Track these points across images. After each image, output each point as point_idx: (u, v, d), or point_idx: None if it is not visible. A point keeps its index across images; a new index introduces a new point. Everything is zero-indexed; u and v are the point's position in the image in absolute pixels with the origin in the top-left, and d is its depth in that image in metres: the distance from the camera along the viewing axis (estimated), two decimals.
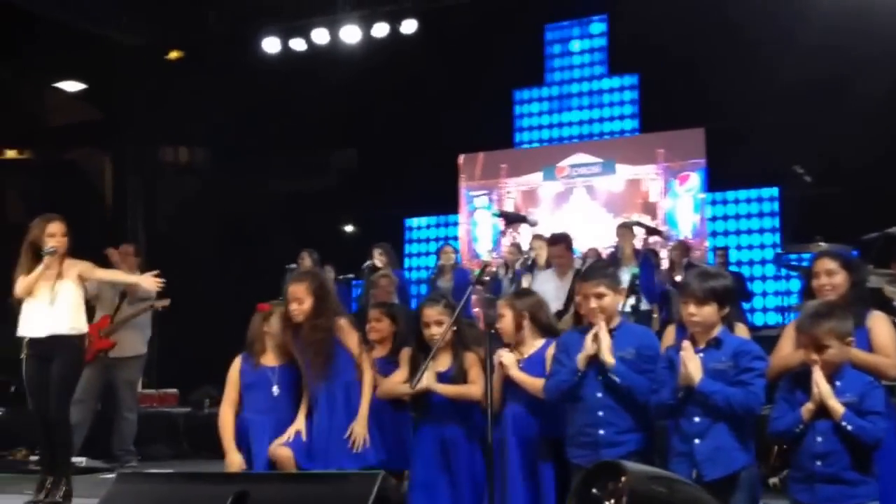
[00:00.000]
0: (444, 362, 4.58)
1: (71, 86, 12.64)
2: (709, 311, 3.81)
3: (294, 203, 11.51)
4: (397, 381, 4.68)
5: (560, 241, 7.38)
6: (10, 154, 12.82)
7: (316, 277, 4.69)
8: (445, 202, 11.64)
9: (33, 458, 7.23)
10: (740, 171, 10.15)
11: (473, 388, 4.44)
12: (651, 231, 7.02)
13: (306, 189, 12.01)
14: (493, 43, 10.69)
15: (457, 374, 4.54)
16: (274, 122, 11.58)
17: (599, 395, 3.96)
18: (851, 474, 3.56)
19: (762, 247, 10.45)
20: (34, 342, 5.68)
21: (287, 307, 4.63)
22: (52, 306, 5.65)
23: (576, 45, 11.47)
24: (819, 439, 3.59)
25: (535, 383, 4.25)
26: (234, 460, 4.62)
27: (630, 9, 10.41)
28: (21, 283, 5.64)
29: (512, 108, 11.69)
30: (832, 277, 4.17)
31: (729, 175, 10.39)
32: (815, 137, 8.96)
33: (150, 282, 5.98)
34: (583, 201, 11.17)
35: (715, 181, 10.67)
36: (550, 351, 4.30)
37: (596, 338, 3.90)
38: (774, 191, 10.43)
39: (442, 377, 4.53)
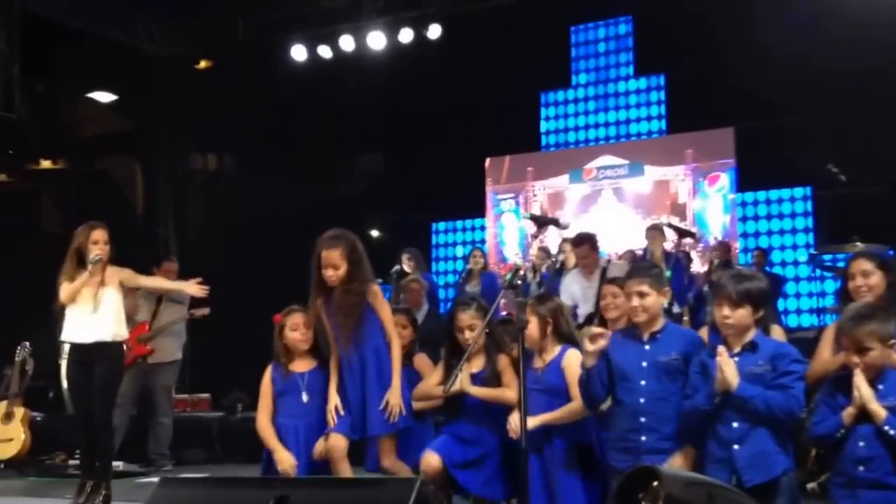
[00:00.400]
0: (477, 364, 4.60)
1: (103, 96, 12.81)
2: (743, 314, 3.75)
3: (322, 208, 11.55)
4: (431, 385, 4.71)
5: (584, 242, 7.34)
6: (45, 164, 13.01)
7: (349, 242, 4.63)
8: (472, 206, 11.68)
9: (72, 461, 7.36)
10: (771, 170, 10.09)
11: (508, 392, 4.45)
12: (682, 233, 7.01)
13: (334, 194, 12.07)
14: (518, 46, 10.71)
15: (490, 377, 4.55)
16: (301, 128, 11.67)
17: (642, 400, 3.92)
18: (895, 479, 3.51)
19: (795, 247, 10.38)
20: (77, 348, 5.79)
21: (321, 273, 4.59)
22: (96, 313, 5.75)
23: (601, 47, 11.48)
24: (861, 444, 3.55)
25: (497, 395, 4.39)
26: (284, 457, 4.62)
27: (655, 9, 10.41)
28: (65, 290, 5.73)
29: (538, 110, 11.70)
30: (868, 278, 4.15)
31: (759, 175, 10.33)
32: (849, 135, 8.92)
33: (194, 289, 6.05)
34: (610, 203, 11.17)
35: (745, 181, 10.62)
36: (570, 358, 4.30)
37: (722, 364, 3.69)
38: (807, 190, 10.35)
39: (475, 379, 4.54)
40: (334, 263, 4.56)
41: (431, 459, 4.45)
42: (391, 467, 4.64)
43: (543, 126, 11.71)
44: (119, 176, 13.14)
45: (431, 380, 4.75)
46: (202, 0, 11.47)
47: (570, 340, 4.45)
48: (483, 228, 11.82)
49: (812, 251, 9.92)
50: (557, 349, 4.42)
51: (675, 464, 3.79)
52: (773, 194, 10.53)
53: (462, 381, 4.41)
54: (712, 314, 4.05)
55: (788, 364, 3.67)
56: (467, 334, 4.55)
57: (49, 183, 13.12)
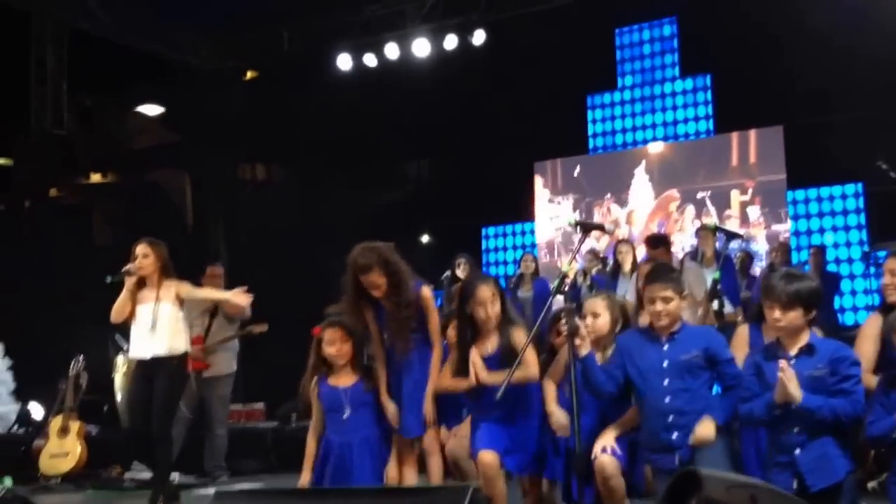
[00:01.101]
0: (492, 344, 4.56)
1: (151, 109, 12.97)
2: (794, 316, 3.69)
3: (371, 215, 11.60)
4: (447, 378, 4.67)
5: (660, 244, 7.23)
6: (95, 178, 13.19)
7: (380, 256, 4.59)
8: (521, 210, 11.64)
9: (128, 474, 7.41)
10: (821, 167, 9.94)
11: (530, 370, 4.40)
12: (730, 235, 6.90)
13: (382, 201, 12.12)
14: (563, 49, 10.65)
15: (505, 354, 4.49)
16: (348, 136, 11.73)
17: (668, 399, 3.92)
18: None
19: (848, 245, 10.20)
20: (140, 363, 5.89)
21: (361, 288, 4.60)
22: (153, 330, 5.82)
23: (647, 48, 11.39)
24: None
25: (520, 377, 4.27)
26: (304, 480, 4.74)
27: (700, 9, 10.31)
28: (113, 309, 5.82)
29: (585, 113, 11.64)
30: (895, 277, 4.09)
31: (810, 172, 10.18)
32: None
33: (241, 297, 6.08)
34: (658, 202, 11.08)
35: (795, 179, 10.47)
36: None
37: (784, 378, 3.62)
38: (858, 186, 10.18)
39: (490, 359, 4.51)
40: (374, 284, 4.57)
41: (489, 458, 4.41)
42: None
43: (591, 129, 11.64)
44: (168, 188, 13.30)
45: (448, 370, 4.69)
46: (246, 13, 11.57)
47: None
48: (533, 232, 11.78)
49: (865, 248, 9.76)
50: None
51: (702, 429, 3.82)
52: (825, 191, 10.37)
53: (490, 376, 4.41)
54: (752, 312, 4.01)
55: (848, 368, 3.60)
56: (489, 309, 4.51)
57: (100, 196, 13.31)
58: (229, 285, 7.41)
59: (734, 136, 10.78)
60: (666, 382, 3.95)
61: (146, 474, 7.03)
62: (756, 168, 10.65)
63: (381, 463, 4.76)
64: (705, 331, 4.29)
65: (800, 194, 10.51)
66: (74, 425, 7.59)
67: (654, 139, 11.33)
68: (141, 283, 5.84)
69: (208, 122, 12.53)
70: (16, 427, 8.85)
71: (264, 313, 7.94)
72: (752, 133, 10.67)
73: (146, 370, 5.85)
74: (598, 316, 4.38)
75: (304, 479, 4.74)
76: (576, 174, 11.58)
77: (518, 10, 10.76)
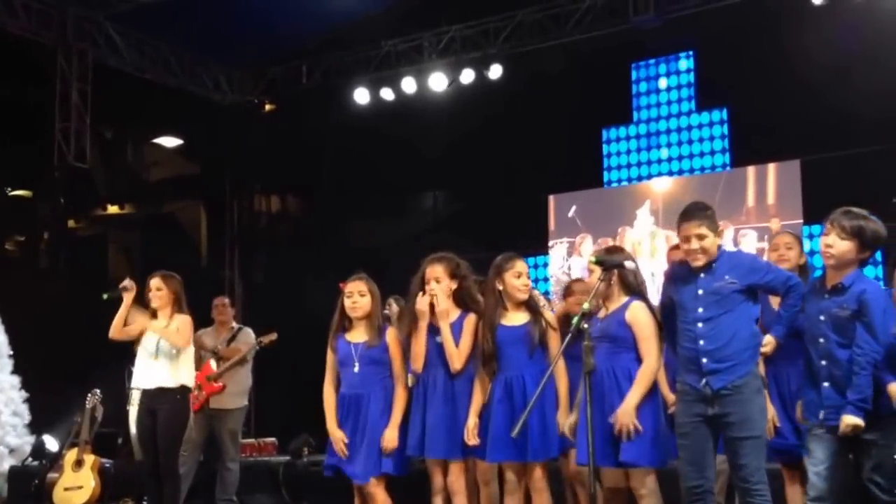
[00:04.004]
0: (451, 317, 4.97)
1: (169, 141, 13.09)
2: (848, 246, 3.98)
3: (386, 247, 11.62)
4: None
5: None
6: (112, 209, 13.27)
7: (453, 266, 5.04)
8: (536, 243, 11.61)
9: None
10: (839, 201, 9.87)
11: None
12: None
13: (398, 233, 12.12)
14: (579, 83, 10.70)
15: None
16: (365, 168, 11.78)
17: (700, 325, 4.20)
18: None
19: (879, 285, 10.10)
20: (144, 394, 5.93)
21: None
22: (156, 359, 5.88)
23: (662, 83, 11.38)
24: None
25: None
26: (336, 436, 4.98)
27: (716, 43, 10.32)
28: (112, 325, 6.06)
29: (600, 147, 11.63)
30: None
31: (827, 207, 10.09)
32: None
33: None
34: (673, 238, 11.01)
35: (812, 213, 10.41)
36: (634, 311, 4.50)
37: None
38: None
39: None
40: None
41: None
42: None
43: (606, 162, 11.63)
44: (184, 219, 13.36)
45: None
46: (266, 48, 11.73)
47: (635, 292, 4.58)
48: (546, 266, 11.74)
49: (882, 285, 9.67)
50: (623, 300, 4.56)
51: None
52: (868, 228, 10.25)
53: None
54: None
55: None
56: (433, 285, 4.89)
57: (115, 228, 13.37)
58: (244, 317, 7.45)
59: (750, 169, 10.72)
60: (700, 311, 4.17)
61: None
62: (775, 207, 10.56)
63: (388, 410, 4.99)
64: (742, 256, 4.59)
65: (816, 229, 10.44)
66: (89, 458, 7.60)
67: (671, 172, 11.29)
68: (153, 313, 5.94)
69: (226, 154, 12.64)
70: (30, 459, 8.86)
71: (278, 348, 7.95)
72: (770, 167, 10.61)
73: (149, 401, 5.93)
74: (592, 272, 4.63)
75: (337, 435, 4.99)
76: (591, 207, 11.53)
77: (534, 45, 10.84)
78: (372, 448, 4.96)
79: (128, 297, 6.03)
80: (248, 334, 7.86)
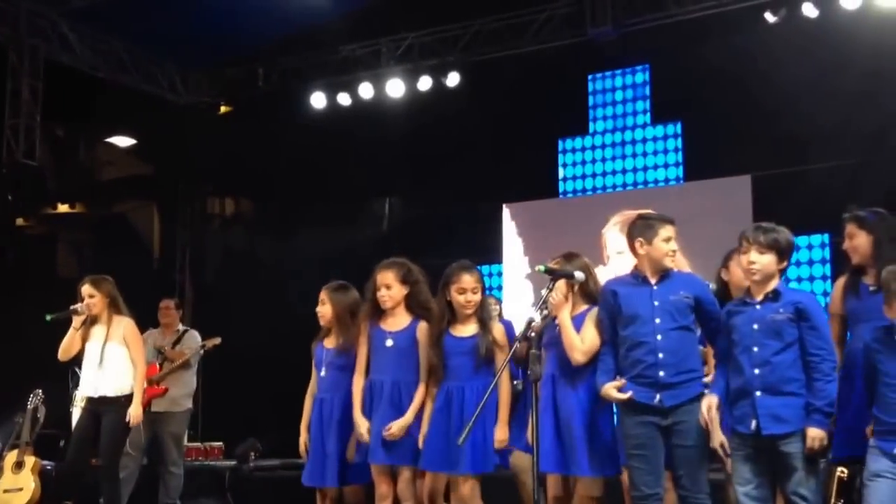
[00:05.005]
0: (400, 324, 4.97)
1: (122, 141, 12.94)
2: (769, 260, 4.09)
3: (340, 253, 11.58)
4: None
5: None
6: (63, 208, 13.09)
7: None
8: (489, 252, 11.64)
9: None
10: (788, 218, 9.98)
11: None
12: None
13: (351, 239, 12.09)
14: (536, 93, 10.75)
15: (410, 340, 4.94)
16: (319, 174, 11.73)
17: (659, 337, 4.29)
18: None
19: (813, 294, 10.24)
20: (89, 399, 5.89)
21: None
22: (101, 369, 5.83)
23: (619, 95, 11.47)
24: None
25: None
26: (360, 422, 4.93)
27: (672, 57, 10.43)
28: (61, 347, 5.85)
29: (556, 157, 11.69)
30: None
31: (777, 222, 10.21)
32: (864, 182, 8.85)
33: (135, 410, 6.05)
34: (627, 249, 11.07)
35: None
36: (592, 317, 4.56)
37: None
38: (825, 237, 10.26)
39: (398, 337, 4.97)
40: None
41: None
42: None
43: (561, 173, 11.68)
44: (136, 220, 13.22)
45: None
46: (223, 50, 11.65)
47: (594, 301, 4.63)
48: (500, 275, 11.76)
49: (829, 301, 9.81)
50: (583, 308, 4.62)
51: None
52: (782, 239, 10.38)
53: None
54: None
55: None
56: (383, 291, 4.87)
57: (66, 227, 13.19)
58: (194, 320, 7.38)
59: (702, 184, 10.82)
60: (657, 321, 4.28)
61: None
62: (723, 219, 10.66)
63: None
64: (691, 276, 4.61)
65: None
66: (30, 460, 7.45)
67: (625, 184, 11.37)
68: (92, 320, 5.86)
69: (180, 155, 12.52)
70: None
71: (227, 351, 7.88)
72: (720, 182, 10.72)
73: (94, 406, 5.86)
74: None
75: (360, 421, 4.94)
76: (545, 217, 11.57)
77: (492, 54, 10.86)
78: (338, 455, 4.94)
79: (77, 321, 5.92)
80: (194, 338, 7.79)
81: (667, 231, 4.46)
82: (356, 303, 5.17)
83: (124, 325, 6.00)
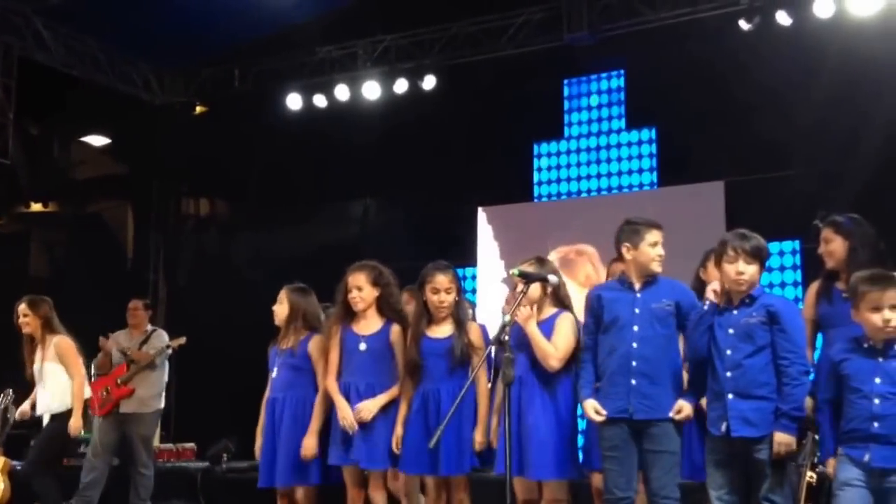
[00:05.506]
0: (374, 326, 5.00)
1: (97, 140, 12.86)
2: (756, 270, 4.15)
3: (315, 254, 11.57)
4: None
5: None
6: (36, 207, 12.99)
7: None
8: (464, 255, 11.66)
9: None
10: (760, 224, 10.05)
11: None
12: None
13: (326, 241, 12.08)
14: (512, 97, 10.78)
15: (385, 342, 5.01)
16: (295, 174, 11.72)
17: (635, 345, 4.34)
18: None
19: (787, 299, 10.31)
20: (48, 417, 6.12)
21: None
22: (44, 388, 6.09)
23: (594, 100, 11.53)
24: None
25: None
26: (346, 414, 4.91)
27: (647, 63, 10.49)
28: None
29: (531, 161, 11.72)
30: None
31: (749, 228, 10.28)
32: (835, 190, 8.93)
33: (74, 422, 6.25)
34: (602, 253, 11.13)
35: None
36: (562, 321, 4.62)
37: None
38: (796, 244, 10.34)
39: (371, 339, 5.01)
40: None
41: None
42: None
43: (537, 176, 11.72)
44: (111, 220, 13.14)
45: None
46: (199, 50, 11.61)
47: (564, 306, 4.68)
48: (475, 278, 11.78)
49: (800, 305, 9.88)
50: (552, 311, 4.65)
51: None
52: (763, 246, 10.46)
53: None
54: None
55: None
56: (354, 293, 4.90)
57: (39, 226, 13.10)
58: (167, 320, 7.37)
59: (676, 189, 10.88)
60: (636, 329, 4.32)
61: None
62: (696, 225, 10.73)
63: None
64: (678, 284, 4.63)
65: None
66: None
67: (599, 189, 11.42)
68: (30, 339, 6.12)
69: (155, 155, 12.46)
70: None
71: (200, 353, 7.85)
72: (694, 187, 10.78)
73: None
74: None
75: (257, 444, 5.11)
76: (520, 220, 11.61)
77: (468, 57, 10.89)
78: (291, 455, 4.95)
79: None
80: (160, 338, 7.74)
81: (653, 236, 4.49)
82: (313, 308, 5.20)
83: (55, 342, 6.18)
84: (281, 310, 5.22)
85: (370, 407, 4.80)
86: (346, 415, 4.81)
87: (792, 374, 4.03)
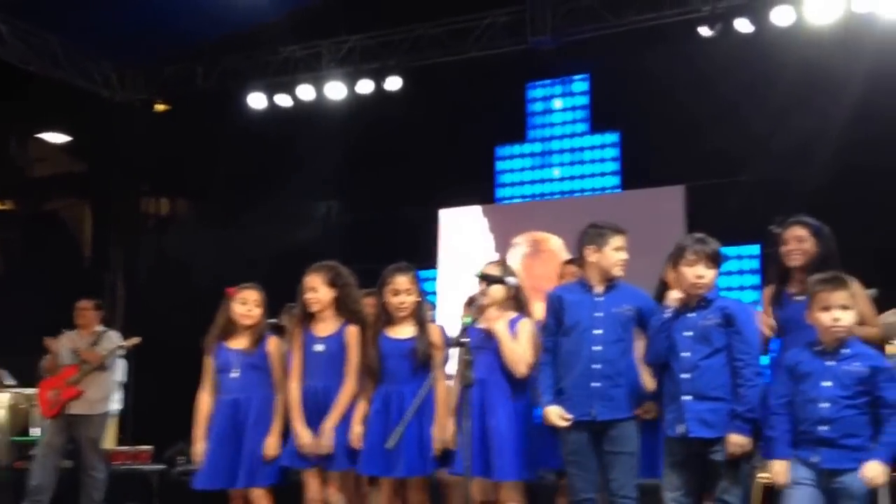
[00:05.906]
0: (330, 328, 4.93)
1: (55, 137, 12.69)
2: (715, 274, 4.21)
3: (276, 256, 11.50)
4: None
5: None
6: None
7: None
8: (424, 257, 11.65)
9: None
10: (720, 228, 10.13)
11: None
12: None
13: (289, 242, 12.02)
14: (475, 100, 10.80)
15: (339, 345, 4.92)
16: (257, 174, 11.65)
17: (596, 348, 4.37)
18: None
19: (741, 301, 10.40)
20: None
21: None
22: None
23: (557, 103, 11.55)
24: None
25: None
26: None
27: (611, 68, 10.56)
28: None
29: (493, 164, 11.74)
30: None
31: (709, 232, 10.35)
32: (795, 195, 9.03)
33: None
34: (564, 255, 11.16)
35: None
36: (523, 325, 4.64)
37: None
38: (755, 248, 10.44)
39: (328, 341, 4.94)
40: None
41: None
42: None
43: (499, 179, 11.74)
44: (68, 218, 12.99)
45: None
46: (160, 47, 11.50)
47: (523, 309, 4.72)
48: (434, 280, 11.77)
49: (759, 308, 9.98)
50: (513, 315, 4.67)
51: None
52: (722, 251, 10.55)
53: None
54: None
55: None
56: (310, 294, 4.86)
57: None
58: (126, 320, 7.28)
59: (638, 193, 10.95)
60: (597, 332, 4.34)
61: None
62: (657, 228, 10.80)
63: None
64: (638, 290, 4.62)
65: None
66: None
67: (562, 192, 11.45)
68: None
69: (114, 153, 12.33)
70: None
71: (158, 354, 7.77)
72: (656, 191, 10.85)
73: None
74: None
75: (198, 435, 5.03)
76: (481, 223, 11.62)
77: (433, 59, 10.88)
78: (251, 456, 4.91)
79: None
80: (111, 338, 7.62)
81: (618, 240, 4.52)
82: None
83: None
84: (258, 313, 5.14)
85: (330, 434, 4.78)
86: (306, 443, 4.79)
87: (746, 376, 4.06)
